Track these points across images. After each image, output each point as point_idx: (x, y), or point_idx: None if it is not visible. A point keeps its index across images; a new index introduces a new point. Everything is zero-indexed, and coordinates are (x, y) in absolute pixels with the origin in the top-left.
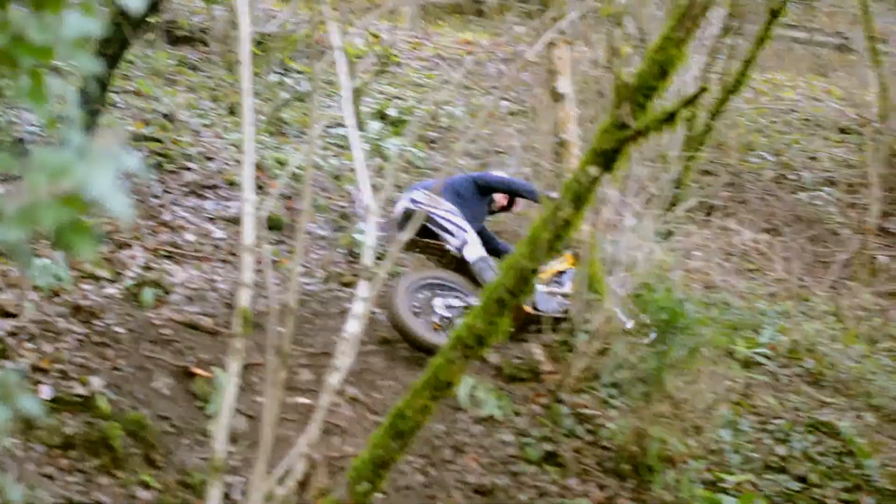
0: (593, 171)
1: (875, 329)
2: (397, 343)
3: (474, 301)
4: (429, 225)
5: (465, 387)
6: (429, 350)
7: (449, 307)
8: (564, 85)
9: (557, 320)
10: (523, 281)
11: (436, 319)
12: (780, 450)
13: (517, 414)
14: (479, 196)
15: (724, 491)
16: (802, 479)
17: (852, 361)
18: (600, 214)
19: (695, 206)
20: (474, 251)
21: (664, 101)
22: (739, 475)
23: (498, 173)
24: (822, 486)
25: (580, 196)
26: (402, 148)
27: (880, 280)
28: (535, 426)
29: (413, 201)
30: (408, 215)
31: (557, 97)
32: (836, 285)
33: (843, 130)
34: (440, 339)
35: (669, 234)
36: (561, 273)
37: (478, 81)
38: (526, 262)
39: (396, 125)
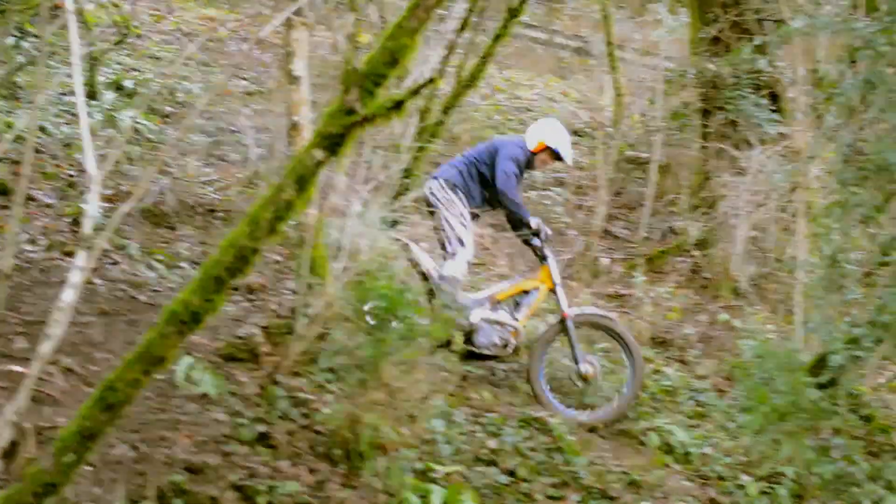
0: (318, 154)
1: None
2: (116, 315)
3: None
4: (437, 217)
5: (182, 364)
6: None
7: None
8: (300, 67)
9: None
10: (243, 260)
11: None
12: (492, 443)
13: (233, 394)
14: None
15: (434, 481)
16: (512, 473)
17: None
18: (327, 199)
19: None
20: (453, 268)
21: (400, 91)
22: (450, 466)
23: (510, 162)
24: (530, 480)
25: (304, 178)
26: (134, 120)
27: (601, 281)
28: (249, 407)
29: (431, 192)
30: (427, 202)
31: (292, 79)
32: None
33: (576, 132)
34: None
35: (396, 222)
36: (525, 293)
37: (218, 59)
38: (246, 241)
39: (132, 97)
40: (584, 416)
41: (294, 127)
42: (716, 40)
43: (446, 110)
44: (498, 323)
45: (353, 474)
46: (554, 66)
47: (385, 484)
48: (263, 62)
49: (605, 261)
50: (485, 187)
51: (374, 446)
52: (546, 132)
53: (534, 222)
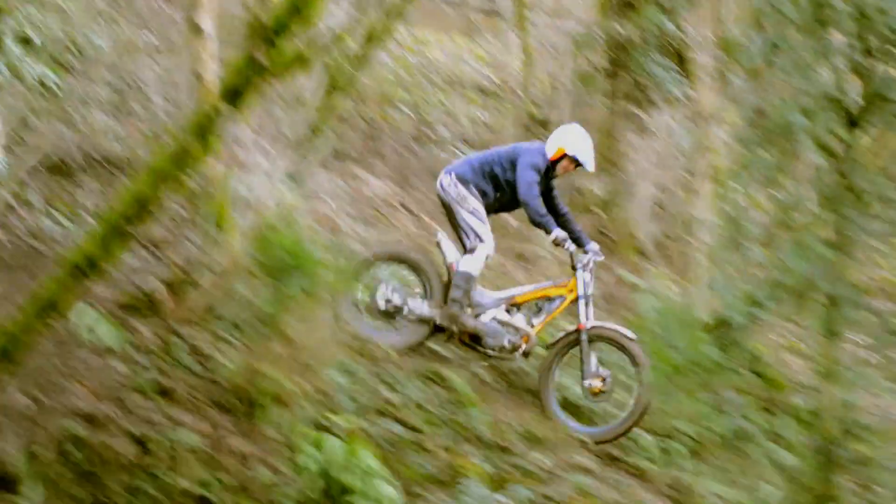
0: (221, 106)
1: (498, 287)
2: (18, 268)
3: (414, 303)
4: (452, 214)
5: (82, 314)
6: None
7: (391, 298)
8: (206, 21)
9: (494, 347)
10: (142, 210)
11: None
12: (393, 397)
13: (134, 346)
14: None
15: (333, 433)
16: (411, 427)
17: None
18: (231, 152)
19: (329, 152)
20: (468, 263)
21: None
22: (350, 419)
23: (530, 171)
24: (429, 434)
25: (205, 130)
26: (38, 72)
27: (508, 240)
28: (150, 359)
29: (442, 187)
30: (440, 197)
31: (197, 32)
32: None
33: (484, 92)
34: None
35: (301, 177)
36: (549, 299)
37: (124, 12)
38: (145, 191)
39: (37, 49)
40: (588, 431)
41: (199, 81)
42: (625, 3)
43: (354, 67)
44: (511, 326)
45: (252, 426)
46: (463, 26)
47: (284, 436)
48: (171, 16)
49: (513, 222)
50: (497, 189)
51: (274, 399)
52: (566, 139)
53: (555, 234)
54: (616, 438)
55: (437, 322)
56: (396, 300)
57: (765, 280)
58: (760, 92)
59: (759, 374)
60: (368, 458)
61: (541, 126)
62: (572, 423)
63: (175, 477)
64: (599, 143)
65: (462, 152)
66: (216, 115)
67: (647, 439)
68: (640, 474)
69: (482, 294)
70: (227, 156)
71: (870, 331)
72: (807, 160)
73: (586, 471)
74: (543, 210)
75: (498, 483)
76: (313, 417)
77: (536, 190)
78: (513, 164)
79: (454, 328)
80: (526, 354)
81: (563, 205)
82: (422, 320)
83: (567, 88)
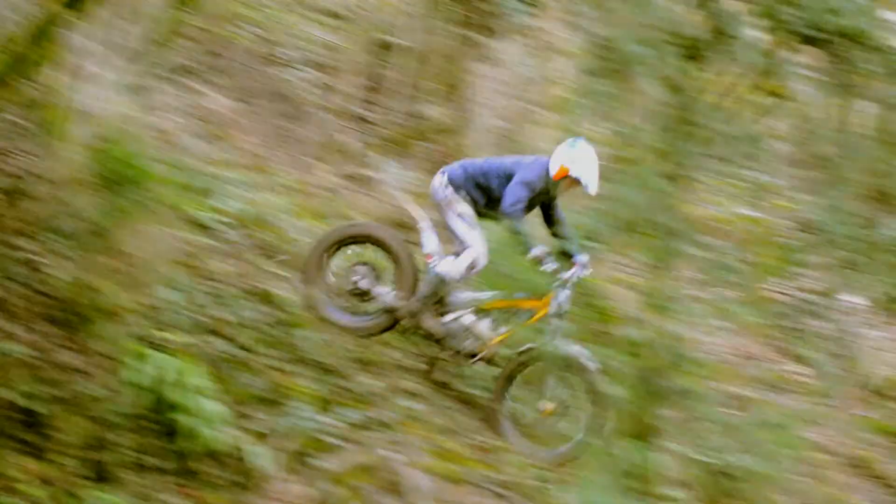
0: (55, 8)
1: (331, 207)
2: None
3: (381, 290)
4: (442, 215)
5: None
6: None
7: (358, 282)
8: None
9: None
10: None
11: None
12: (224, 315)
13: None
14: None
15: (163, 349)
16: (242, 346)
17: (304, 235)
18: (72, 62)
19: (172, 66)
20: (447, 266)
21: None
22: (178, 335)
23: (523, 188)
24: (257, 352)
25: (44, 35)
26: None
27: (347, 163)
28: None
29: (434, 188)
30: (432, 198)
31: None
32: (301, 163)
33: (332, 14)
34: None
35: (140, 89)
36: (520, 310)
37: None
38: None
39: None
40: (538, 453)
41: None
42: None
43: None
44: (472, 332)
45: (81, 340)
46: None
47: (112, 350)
48: None
49: (352, 143)
50: (490, 201)
51: (105, 313)
52: (570, 158)
53: (535, 252)
54: (573, 459)
55: (399, 315)
56: (364, 284)
57: (601, 212)
58: (604, 23)
59: (590, 306)
60: (197, 376)
61: (387, 49)
62: (528, 446)
63: (1, 388)
64: (444, 70)
65: (307, 72)
66: (55, 21)
67: (476, 367)
68: (468, 401)
69: (455, 294)
70: (67, 65)
71: (700, 266)
72: (647, 93)
73: (415, 396)
74: (526, 226)
75: (326, 404)
76: (144, 333)
77: (522, 208)
78: (509, 179)
79: (412, 325)
80: (488, 361)
81: (563, 215)
82: (385, 310)
83: (415, 14)
